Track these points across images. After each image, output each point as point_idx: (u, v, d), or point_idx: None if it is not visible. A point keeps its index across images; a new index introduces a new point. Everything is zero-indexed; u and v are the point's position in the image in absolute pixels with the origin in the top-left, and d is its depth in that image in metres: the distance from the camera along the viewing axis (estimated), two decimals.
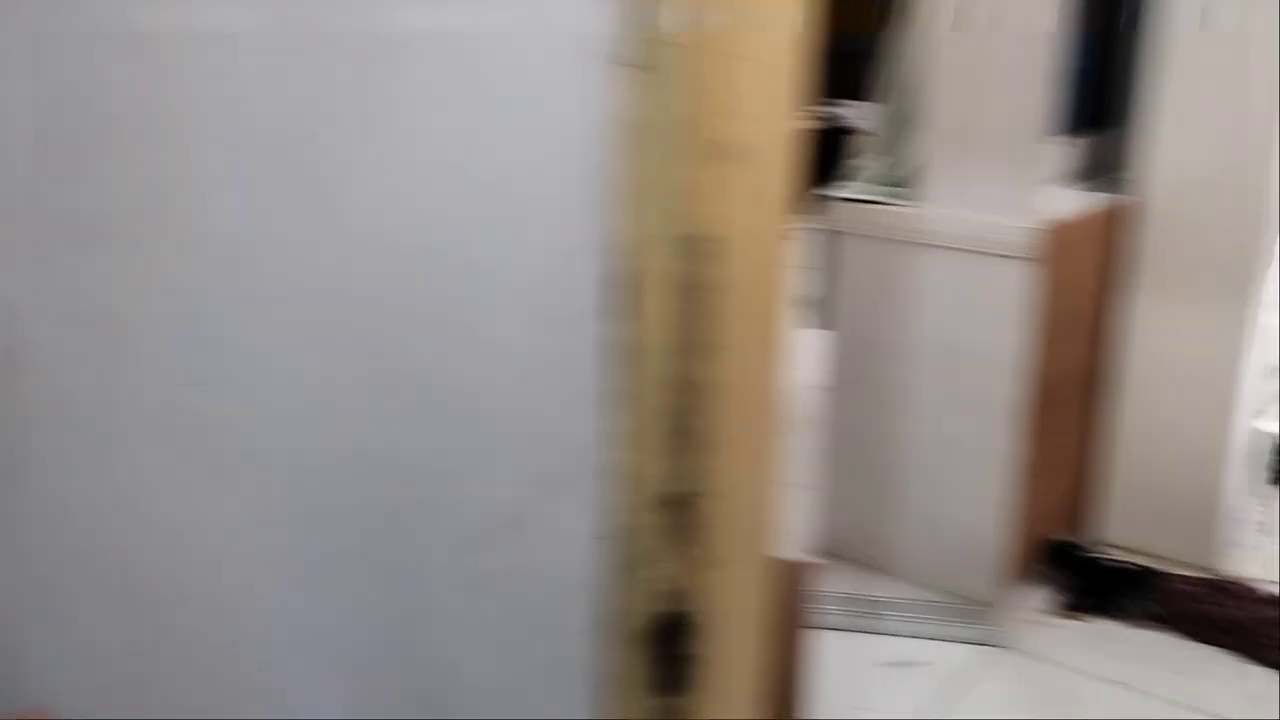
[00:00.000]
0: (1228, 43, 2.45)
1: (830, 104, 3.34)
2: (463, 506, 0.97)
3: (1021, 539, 2.51)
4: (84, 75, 1.03)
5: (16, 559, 1.12)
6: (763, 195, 0.95)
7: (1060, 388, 2.56)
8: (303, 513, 1.06)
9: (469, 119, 0.91)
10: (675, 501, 0.93)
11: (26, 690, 1.13)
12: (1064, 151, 2.57)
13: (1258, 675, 2.30)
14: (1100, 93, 2.69)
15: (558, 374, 0.91)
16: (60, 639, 1.18)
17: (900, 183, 2.51)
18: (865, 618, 2.46)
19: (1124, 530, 2.75)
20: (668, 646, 0.96)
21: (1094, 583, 2.58)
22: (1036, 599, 2.55)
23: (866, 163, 2.61)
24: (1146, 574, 2.57)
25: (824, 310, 2.64)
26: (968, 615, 2.47)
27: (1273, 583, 2.56)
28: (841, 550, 2.62)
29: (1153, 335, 2.64)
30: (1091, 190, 2.64)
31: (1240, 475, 2.72)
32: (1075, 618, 2.51)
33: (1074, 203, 2.53)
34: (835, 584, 2.51)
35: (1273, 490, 3.06)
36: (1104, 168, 2.68)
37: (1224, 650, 2.37)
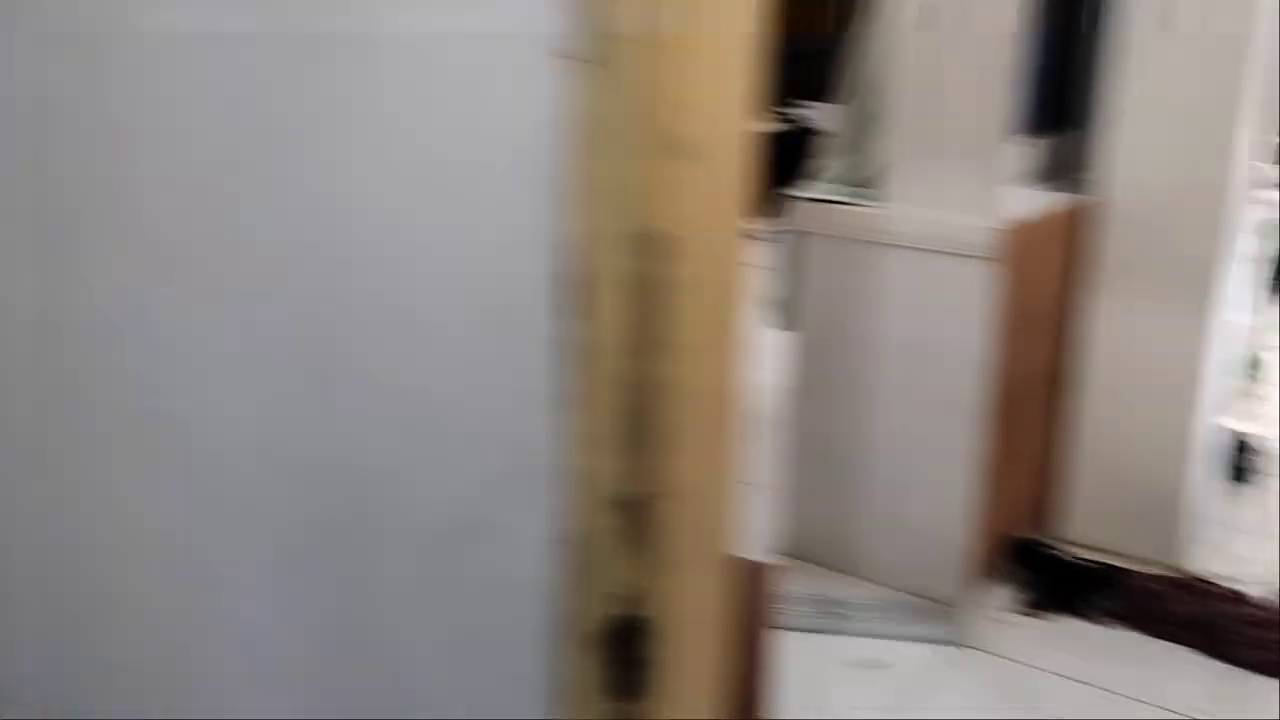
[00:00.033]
0: (1188, 43, 2.47)
1: (794, 104, 3.34)
2: (414, 510, 0.96)
3: (985, 537, 2.52)
4: (31, 77, 1.01)
5: None
6: (718, 192, 0.93)
7: (1023, 386, 2.57)
8: (254, 516, 1.04)
9: (418, 117, 0.90)
10: (631, 503, 0.92)
11: None
12: (1026, 151, 2.58)
13: (1220, 672, 2.32)
14: (1062, 93, 2.70)
15: (510, 374, 0.89)
16: (9, 640, 1.16)
17: (864, 183, 2.51)
18: (830, 618, 2.46)
19: (1087, 528, 2.77)
20: (624, 651, 0.94)
21: (1058, 581, 2.59)
22: (1001, 597, 2.56)
23: (830, 163, 2.61)
24: (1110, 571, 2.59)
25: (789, 310, 2.64)
26: (932, 614, 2.47)
27: (1235, 580, 2.58)
28: (806, 551, 2.62)
29: (1115, 334, 2.66)
30: (1053, 190, 2.65)
31: (1202, 472, 2.74)
32: (1039, 616, 2.52)
33: (1036, 203, 2.54)
34: (800, 585, 2.51)
35: (1235, 487, 3.09)
36: (1066, 168, 2.70)
37: (1187, 647, 2.39)
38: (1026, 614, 2.52)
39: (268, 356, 0.98)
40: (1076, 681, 2.28)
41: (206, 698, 1.10)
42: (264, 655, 1.06)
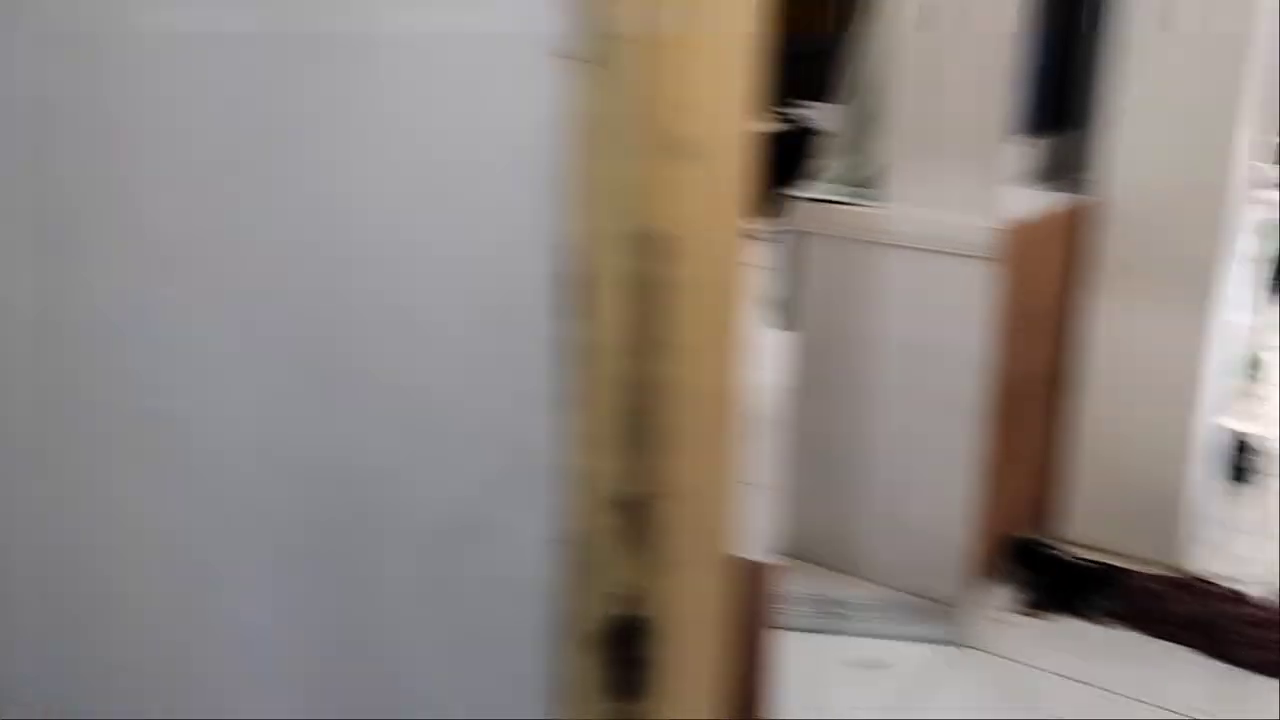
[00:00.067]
0: (1188, 43, 2.47)
1: (794, 104, 3.34)
2: (414, 510, 0.96)
3: (985, 537, 2.52)
4: (31, 77, 1.01)
5: None
6: (718, 192, 0.93)
7: (1023, 386, 2.57)
8: (253, 516, 1.04)
9: (418, 116, 0.90)
10: (631, 503, 0.92)
11: None
12: (1026, 151, 2.58)
13: (1220, 672, 2.32)
14: (1062, 93, 2.70)
15: (510, 374, 0.89)
16: (9, 640, 1.16)
17: (864, 183, 2.51)
18: (830, 618, 2.46)
19: (1087, 528, 2.77)
20: (624, 651, 0.94)
21: (1058, 581, 2.59)
22: (1001, 597, 2.55)
23: (831, 163, 2.61)
24: (1109, 571, 2.59)
25: (789, 310, 2.64)
26: (932, 614, 2.47)
27: (1235, 580, 2.58)
28: (807, 551, 2.62)
29: (1115, 334, 2.66)
30: (1053, 190, 2.65)
31: (1202, 472, 2.74)
32: (1039, 616, 2.52)
33: (1036, 203, 2.54)
34: (800, 585, 2.51)
35: (1235, 487, 3.08)
36: (1066, 168, 2.70)
37: (1187, 647, 2.39)
38: (1026, 614, 2.52)
39: (267, 356, 0.98)
40: (1076, 681, 2.28)
41: (206, 698, 1.10)
42: (264, 655, 1.06)
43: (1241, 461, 3.15)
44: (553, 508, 0.90)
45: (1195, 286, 2.56)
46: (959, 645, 2.39)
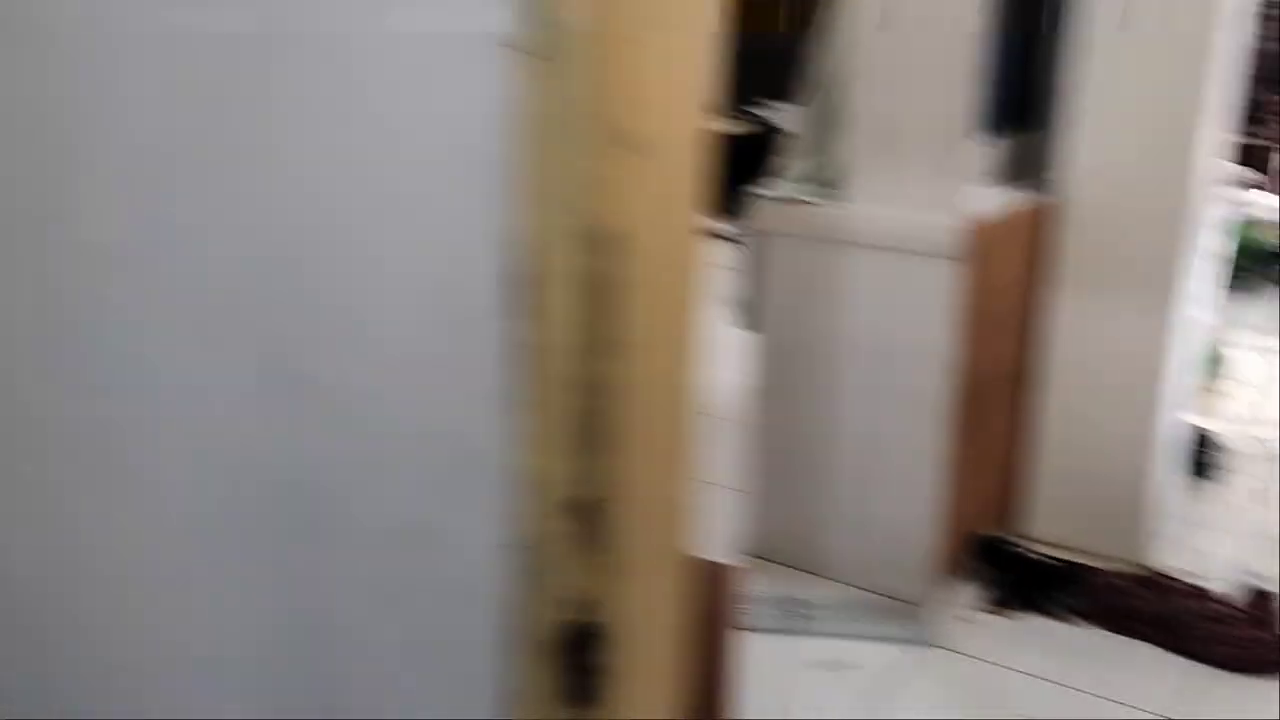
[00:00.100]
0: (1148, 43, 2.48)
1: (758, 104, 3.34)
2: (363, 515, 0.93)
3: (950, 536, 2.52)
4: None
5: None
6: (671, 189, 0.92)
7: (987, 385, 2.57)
8: (201, 522, 1.01)
9: (364, 114, 0.87)
10: (584, 507, 0.90)
11: None
12: (988, 151, 2.58)
13: (1184, 668, 2.33)
14: (1023, 93, 2.71)
15: (459, 376, 0.87)
16: None
17: (827, 182, 2.51)
18: (796, 619, 2.45)
19: (1051, 525, 2.78)
20: (578, 657, 0.92)
21: (1023, 579, 2.60)
22: (966, 596, 2.56)
23: (794, 162, 2.61)
24: (1074, 569, 2.59)
25: (754, 311, 2.63)
26: (898, 614, 2.47)
27: (1197, 575, 2.60)
28: (772, 551, 2.61)
29: (1077, 331, 2.67)
30: (1015, 189, 2.66)
31: (1164, 469, 2.76)
32: (1004, 614, 2.52)
33: (998, 202, 2.54)
34: (766, 585, 2.50)
35: (1197, 483, 3.11)
36: (1027, 167, 2.70)
37: (1150, 644, 2.40)
38: (992, 612, 2.53)
39: (213, 359, 0.96)
40: (1040, 679, 2.28)
41: (154, 706, 1.07)
42: (213, 663, 1.03)
43: (1203, 457, 3.17)
44: (504, 512, 0.88)
45: (1156, 284, 2.58)
46: (925, 645, 2.39)
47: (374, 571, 0.94)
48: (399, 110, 0.86)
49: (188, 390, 0.98)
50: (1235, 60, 2.62)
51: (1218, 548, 2.84)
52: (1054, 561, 2.64)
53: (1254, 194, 5.64)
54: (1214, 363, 3.46)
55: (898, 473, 2.49)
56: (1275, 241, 5.70)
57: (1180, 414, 2.85)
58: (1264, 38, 3.96)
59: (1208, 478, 3.17)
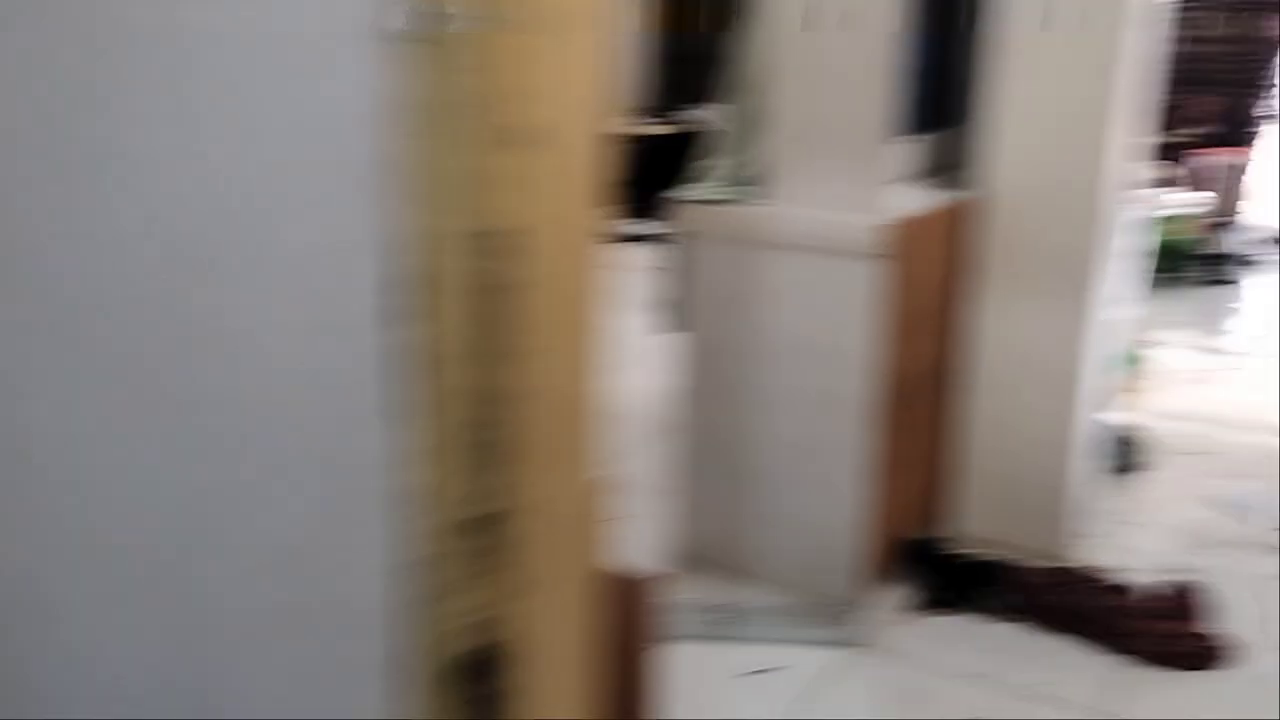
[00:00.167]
0: (1064, 44, 2.49)
1: (681, 106, 3.31)
2: (243, 535, 0.87)
3: (879, 537, 2.51)
4: None
5: None
6: (568, 185, 0.87)
7: (912, 384, 2.57)
8: (80, 539, 0.95)
9: (234, 109, 0.81)
10: (481, 523, 0.85)
11: None
12: (909, 150, 2.58)
13: (1106, 662, 2.34)
14: (943, 92, 2.71)
15: (340, 388, 0.82)
16: None
17: (749, 183, 2.48)
18: (725, 625, 2.41)
19: (979, 524, 2.78)
20: (480, 683, 0.87)
21: (950, 579, 2.59)
22: (895, 597, 2.54)
23: (716, 163, 2.58)
24: (1000, 567, 2.59)
25: (680, 313, 2.59)
26: (828, 617, 2.45)
27: (1120, 570, 2.61)
28: (702, 556, 2.58)
29: (999, 330, 2.68)
30: (937, 188, 2.66)
31: (1086, 466, 2.77)
32: (934, 615, 2.51)
33: (920, 200, 2.54)
34: (694, 591, 2.46)
35: (1118, 479, 3.14)
36: (948, 166, 2.71)
37: (1076, 639, 2.40)
38: (921, 613, 2.52)
39: (84, 375, 0.89)
40: (969, 677, 2.28)
41: None
42: (95, 684, 0.97)
43: (1124, 454, 3.20)
44: (393, 531, 0.82)
45: (1073, 282, 2.59)
46: (855, 647, 2.37)
47: (256, 595, 0.88)
48: (262, 109, 0.80)
49: (57, 407, 0.91)
50: (1152, 61, 2.64)
51: (1139, 542, 2.87)
52: (981, 560, 2.64)
53: (1173, 193, 5.75)
54: (1132, 360, 3.50)
55: (825, 474, 2.47)
56: (1194, 239, 5.82)
57: (1100, 411, 2.87)
58: (1182, 39, 4.03)
59: (1128, 473, 3.21)
